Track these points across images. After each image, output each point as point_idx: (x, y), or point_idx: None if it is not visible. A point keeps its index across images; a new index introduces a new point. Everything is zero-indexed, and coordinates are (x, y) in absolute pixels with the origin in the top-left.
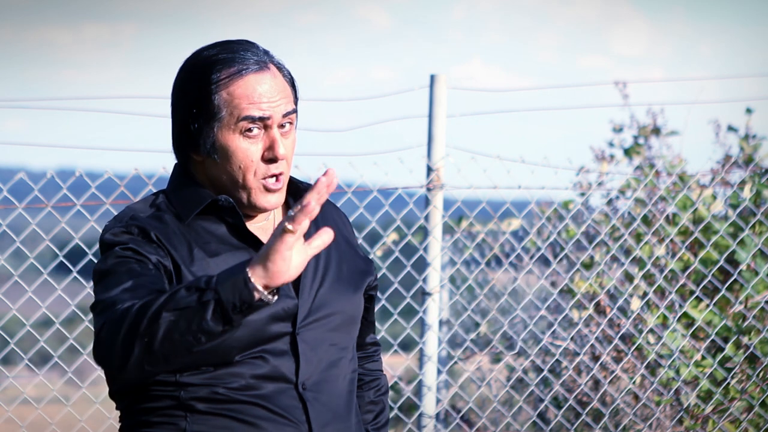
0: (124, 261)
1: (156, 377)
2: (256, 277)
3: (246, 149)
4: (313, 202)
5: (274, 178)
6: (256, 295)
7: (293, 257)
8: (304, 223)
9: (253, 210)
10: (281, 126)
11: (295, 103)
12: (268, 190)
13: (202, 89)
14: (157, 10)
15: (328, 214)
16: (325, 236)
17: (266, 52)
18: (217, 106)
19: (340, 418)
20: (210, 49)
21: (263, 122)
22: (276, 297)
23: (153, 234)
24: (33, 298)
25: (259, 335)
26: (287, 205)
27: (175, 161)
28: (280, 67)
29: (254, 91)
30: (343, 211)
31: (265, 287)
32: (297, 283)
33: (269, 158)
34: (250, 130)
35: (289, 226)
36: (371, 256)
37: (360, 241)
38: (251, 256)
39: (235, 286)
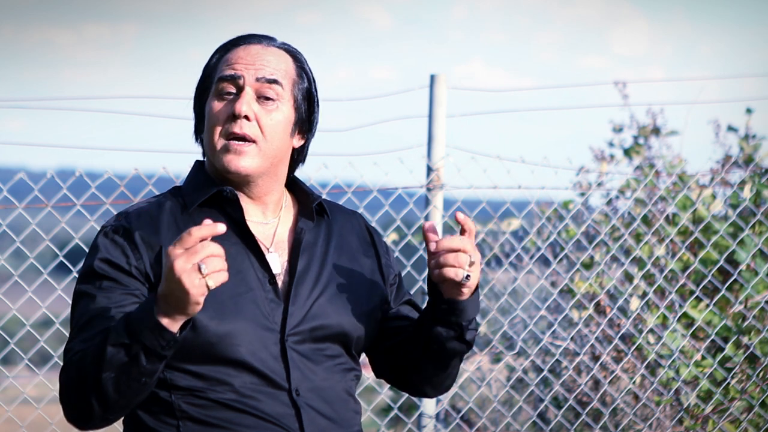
0: (94, 288)
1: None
2: (167, 320)
3: (217, 108)
4: None
5: (243, 140)
6: (175, 331)
7: (189, 291)
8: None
9: (226, 175)
10: (261, 97)
11: (298, 93)
12: (227, 150)
13: (206, 65)
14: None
15: (347, 229)
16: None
17: (284, 43)
18: (209, 75)
19: (337, 425)
20: None
21: (234, 81)
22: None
23: (137, 235)
24: (33, 298)
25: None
26: (298, 213)
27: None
28: (291, 53)
29: (235, 54)
30: (375, 229)
31: (179, 319)
32: (288, 290)
33: (231, 114)
34: (224, 91)
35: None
36: None
37: None
38: (245, 252)
39: (153, 333)
